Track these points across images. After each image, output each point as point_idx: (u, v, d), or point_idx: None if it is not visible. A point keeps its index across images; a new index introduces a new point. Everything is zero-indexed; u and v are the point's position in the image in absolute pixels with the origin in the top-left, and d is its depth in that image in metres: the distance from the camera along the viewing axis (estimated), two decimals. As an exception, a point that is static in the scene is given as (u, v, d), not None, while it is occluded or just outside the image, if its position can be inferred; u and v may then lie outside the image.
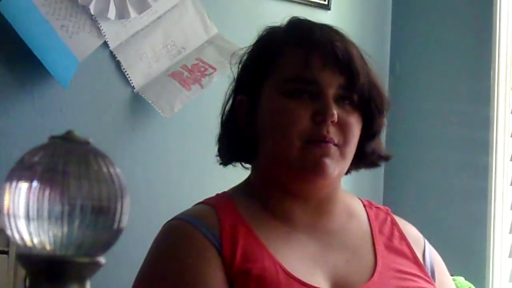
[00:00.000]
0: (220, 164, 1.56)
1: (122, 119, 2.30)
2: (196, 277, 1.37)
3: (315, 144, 1.41)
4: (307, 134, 1.41)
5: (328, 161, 1.41)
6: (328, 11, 2.66)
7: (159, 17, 2.34)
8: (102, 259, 0.89)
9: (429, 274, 1.50)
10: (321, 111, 1.41)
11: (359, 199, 1.58)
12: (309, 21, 1.52)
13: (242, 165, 1.55)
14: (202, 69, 2.37)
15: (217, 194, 1.53)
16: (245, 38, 2.54)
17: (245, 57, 1.54)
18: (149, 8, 2.30)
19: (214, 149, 2.45)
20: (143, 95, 2.29)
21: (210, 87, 2.38)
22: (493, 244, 2.53)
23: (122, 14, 2.25)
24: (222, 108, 1.55)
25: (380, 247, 1.48)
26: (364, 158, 1.51)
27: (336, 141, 1.42)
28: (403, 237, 1.52)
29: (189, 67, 2.37)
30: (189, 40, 2.39)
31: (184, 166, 2.40)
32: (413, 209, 2.56)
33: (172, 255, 1.42)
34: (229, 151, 1.55)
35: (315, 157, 1.41)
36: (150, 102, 2.29)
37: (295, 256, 1.42)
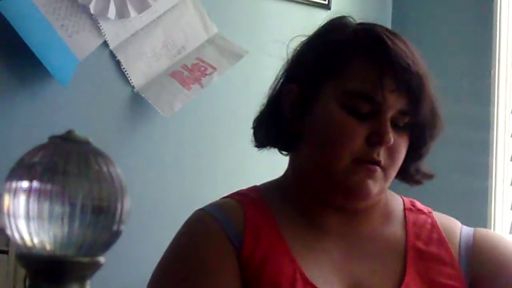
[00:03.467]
0: (255, 146, 1.48)
1: (122, 118, 2.30)
2: (208, 275, 1.35)
3: (364, 165, 1.36)
4: (358, 153, 1.36)
5: (371, 182, 1.37)
6: (328, 11, 2.66)
7: (159, 17, 2.35)
8: (102, 259, 0.88)
9: (464, 273, 1.42)
10: (378, 134, 1.36)
11: (402, 199, 1.53)
12: (378, 29, 1.43)
13: (280, 152, 1.47)
14: (202, 68, 2.37)
15: (249, 188, 1.47)
16: (245, 38, 2.55)
17: (306, 46, 1.45)
18: (149, 8, 2.31)
19: (214, 148, 2.47)
20: (143, 95, 2.29)
21: (210, 86, 2.38)
22: (493, 244, 2.53)
23: (122, 13, 2.25)
24: (270, 89, 1.46)
25: (412, 255, 1.43)
26: (408, 177, 1.47)
27: (383, 164, 1.37)
28: (441, 240, 1.46)
29: (189, 66, 2.37)
30: (189, 39, 2.39)
31: (184, 166, 2.40)
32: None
33: (187, 250, 1.39)
34: (267, 137, 1.46)
35: (360, 178, 1.36)
36: (150, 101, 2.29)
37: (318, 263, 1.38)
